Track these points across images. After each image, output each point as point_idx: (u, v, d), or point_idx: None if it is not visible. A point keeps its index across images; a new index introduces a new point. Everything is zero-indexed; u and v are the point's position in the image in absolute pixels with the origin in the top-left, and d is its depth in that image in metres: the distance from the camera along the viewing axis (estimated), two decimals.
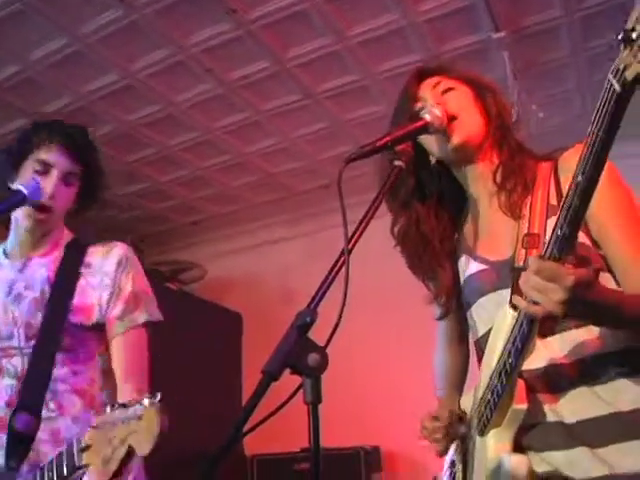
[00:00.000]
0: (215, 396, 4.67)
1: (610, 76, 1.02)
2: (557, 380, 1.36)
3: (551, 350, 1.37)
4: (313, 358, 1.07)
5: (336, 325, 1.09)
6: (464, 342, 1.76)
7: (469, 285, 1.56)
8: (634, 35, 0.97)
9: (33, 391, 1.73)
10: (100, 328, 1.84)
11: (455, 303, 1.62)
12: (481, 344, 1.52)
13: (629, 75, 0.99)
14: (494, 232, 1.53)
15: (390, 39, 3.41)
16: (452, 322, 1.73)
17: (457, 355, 1.80)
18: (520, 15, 3.27)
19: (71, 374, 1.80)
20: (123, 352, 1.82)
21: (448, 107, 1.49)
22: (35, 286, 1.84)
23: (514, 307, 1.31)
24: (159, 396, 1.30)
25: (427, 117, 1.44)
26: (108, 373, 1.84)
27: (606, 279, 1.35)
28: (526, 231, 1.40)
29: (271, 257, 5.40)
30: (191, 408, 3.74)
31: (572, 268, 1.16)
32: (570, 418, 1.33)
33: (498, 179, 1.50)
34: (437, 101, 1.50)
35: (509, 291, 1.36)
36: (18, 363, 1.79)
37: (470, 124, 1.52)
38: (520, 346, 1.29)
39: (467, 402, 1.62)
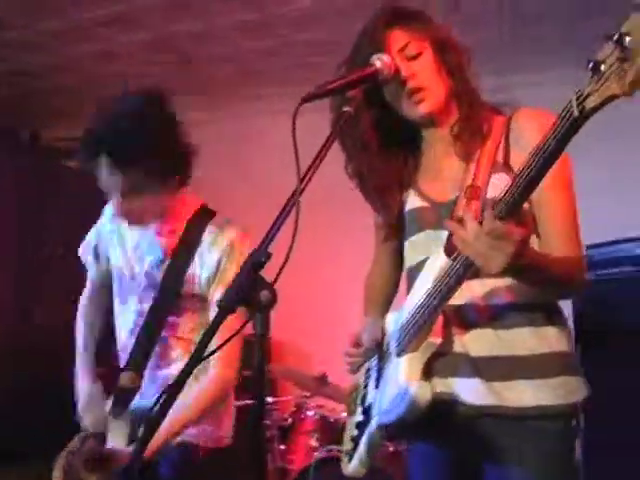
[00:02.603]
0: None
1: (573, 99, 1.08)
2: (469, 318, 1.53)
3: (471, 291, 1.52)
4: (264, 295, 1.15)
5: (282, 266, 1.14)
6: (398, 269, 1.88)
7: (410, 218, 1.67)
8: (602, 67, 1.02)
9: (140, 354, 1.96)
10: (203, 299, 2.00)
11: (398, 230, 1.73)
12: (412, 273, 1.66)
13: (589, 104, 1.05)
14: (443, 173, 1.62)
15: None
16: (391, 248, 1.84)
17: (390, 279, 1.93)
18: None
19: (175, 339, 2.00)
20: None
21: (418, 79, 1.53)
22: (155, 252, 2.02)
23: (448, 253, 1.42)
24: None
25: (377, 64, 1.45)
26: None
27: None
28: (470, 182, 1.50)
29: None
30: None
31: (515, 227, 1.24)
32: (474, 352, 1.52)
33: (455, 131, 1.58)
34: (408, 73, 1.53)
35: (444, 232, 1.47)
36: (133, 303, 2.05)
37: (437, 93, 1.56)
38: (447, 289, 1.43)
39: (391, 319, 1.76)
